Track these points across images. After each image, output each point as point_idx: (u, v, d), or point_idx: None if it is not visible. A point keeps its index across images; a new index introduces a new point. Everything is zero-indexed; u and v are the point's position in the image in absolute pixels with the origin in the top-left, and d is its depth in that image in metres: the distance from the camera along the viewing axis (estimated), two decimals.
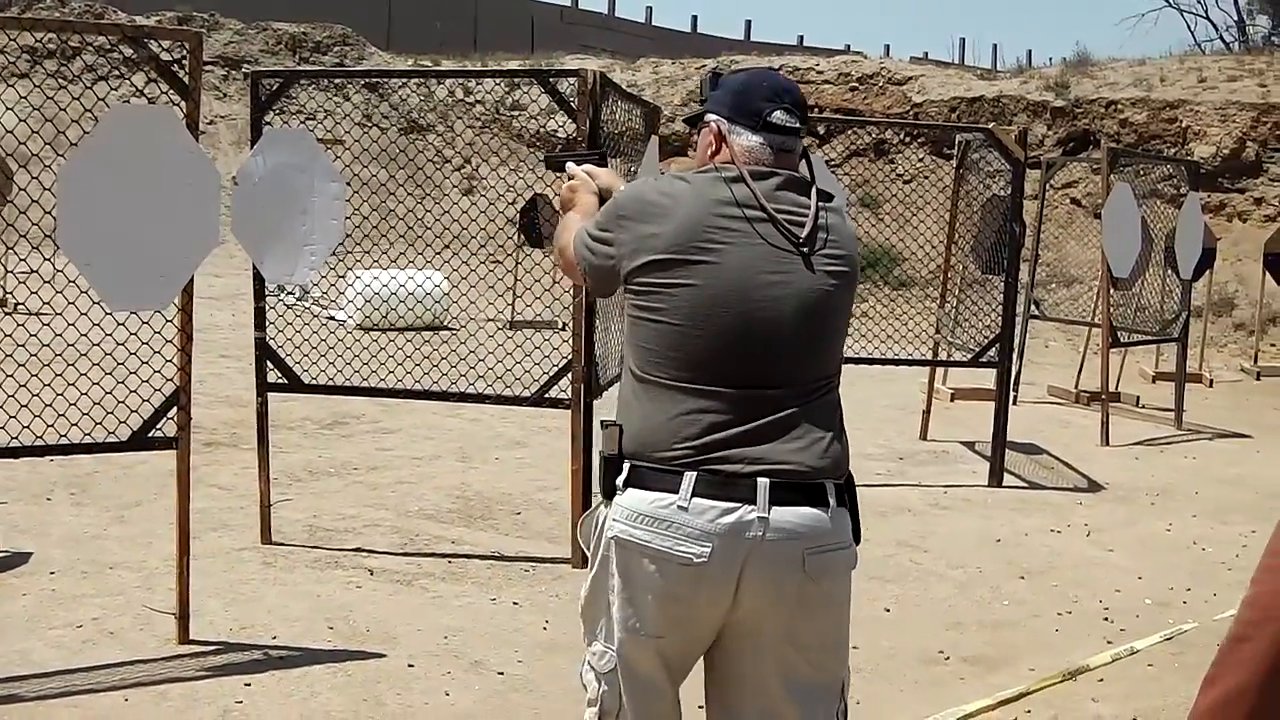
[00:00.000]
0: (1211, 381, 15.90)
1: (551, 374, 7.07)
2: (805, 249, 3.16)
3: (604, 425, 3.24)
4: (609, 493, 3.19)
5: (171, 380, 5.56)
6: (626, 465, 3.15)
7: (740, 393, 3.10)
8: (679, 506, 3.05)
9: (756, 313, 3.11)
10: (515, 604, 6.39)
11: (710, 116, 3.37)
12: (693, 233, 3.13)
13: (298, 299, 15.02)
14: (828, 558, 3.12)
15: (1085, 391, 13.92)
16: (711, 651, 3.23)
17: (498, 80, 22.59)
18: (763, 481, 3.05)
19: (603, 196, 3.68)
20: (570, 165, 3.92)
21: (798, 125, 3.29)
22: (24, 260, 5.57)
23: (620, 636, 3.19)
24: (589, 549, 3.29)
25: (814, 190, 3.25)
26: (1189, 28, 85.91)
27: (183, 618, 5.63)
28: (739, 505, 3.04)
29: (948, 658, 5.98)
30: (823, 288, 3.18)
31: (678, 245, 3.13)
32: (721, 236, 3.13)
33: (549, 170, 4.22)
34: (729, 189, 3.17)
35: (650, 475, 3.11)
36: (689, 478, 3.05)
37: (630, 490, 3.13)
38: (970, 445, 10.87)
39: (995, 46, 52.11)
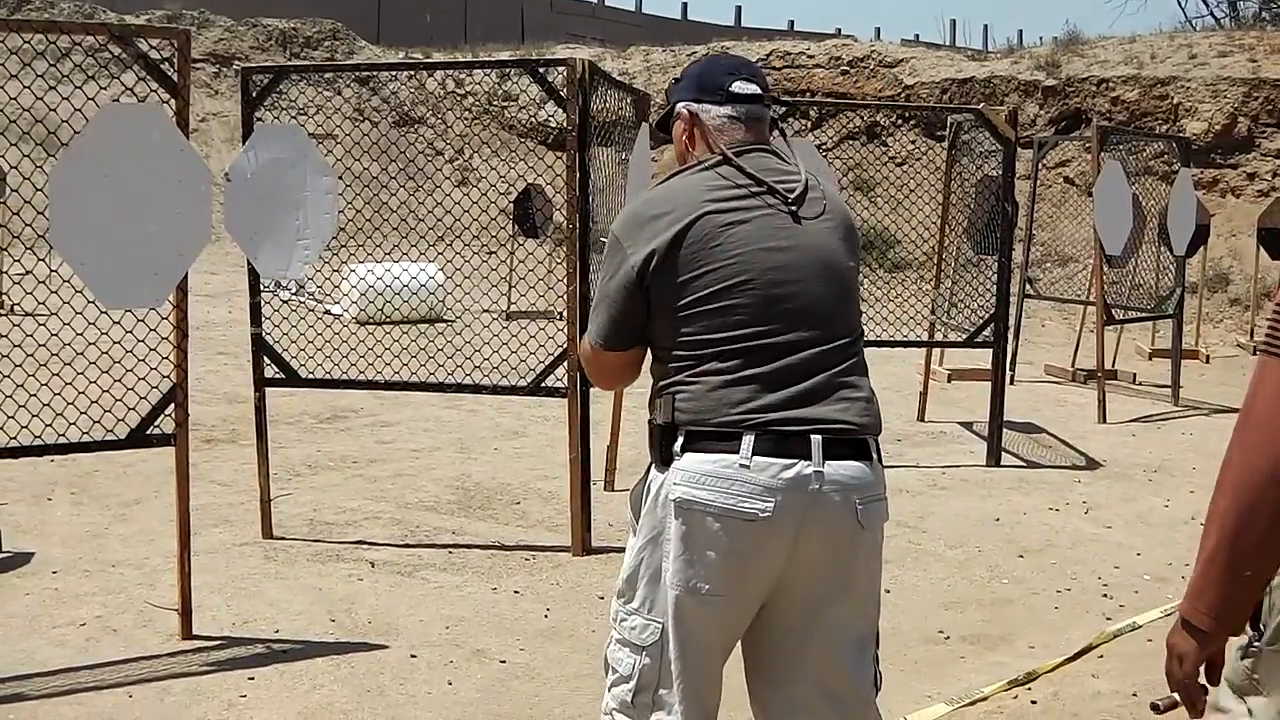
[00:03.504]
0: (1208, 357, 15.94)
1: (547, 363, 7.08)
2: (798, 210, 3.32)
3: (655, 395, 3.33)
4: (666, 460, 3.28)
5: (168, 377, 5.57)
6: (682, 432, 3.25)
7: (782, 355, 3.24)
8: (741, 465, 3.17)
9: (779, 277, 3.26)
10: (516, 593, 6.42)
11: (679, 106, 3.50)
12: (699, 221, 3.26)
13: (293, 294, 15.03)
14: (875, 507, 3.30)
15: (1082, 370, 13.94)
16: (760, 614, 3.32)
17: (488, 71, 22.58)
18: (816, 438, 3.19)
19: None
20: None
21: (760, 91, 3.44)
22: (18, 261, 5.59)
23: (676, 599, 3.25)
24: (637, 518, 3.39)
25: (793, 158, 3.42)
26: (1179, 4, 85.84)
27: (185, 614, 5.65)
28: (796, 460, 3.18)
29: (947, 637, 6.01)
30: (829, 245, 3.35)
31: (689, 235, 3.25)
32: (727, 216, 3.27)
33: None
34: (716, 174, 3.32)
35: (708, 439, 3.21)
36: (748, 438, 3.18)
37: (689, 454, 3.23)
38: (968, 425, 10.89)
39: (986, 27, 52.11)
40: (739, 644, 3.41)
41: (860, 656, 3.33)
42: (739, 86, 3.41)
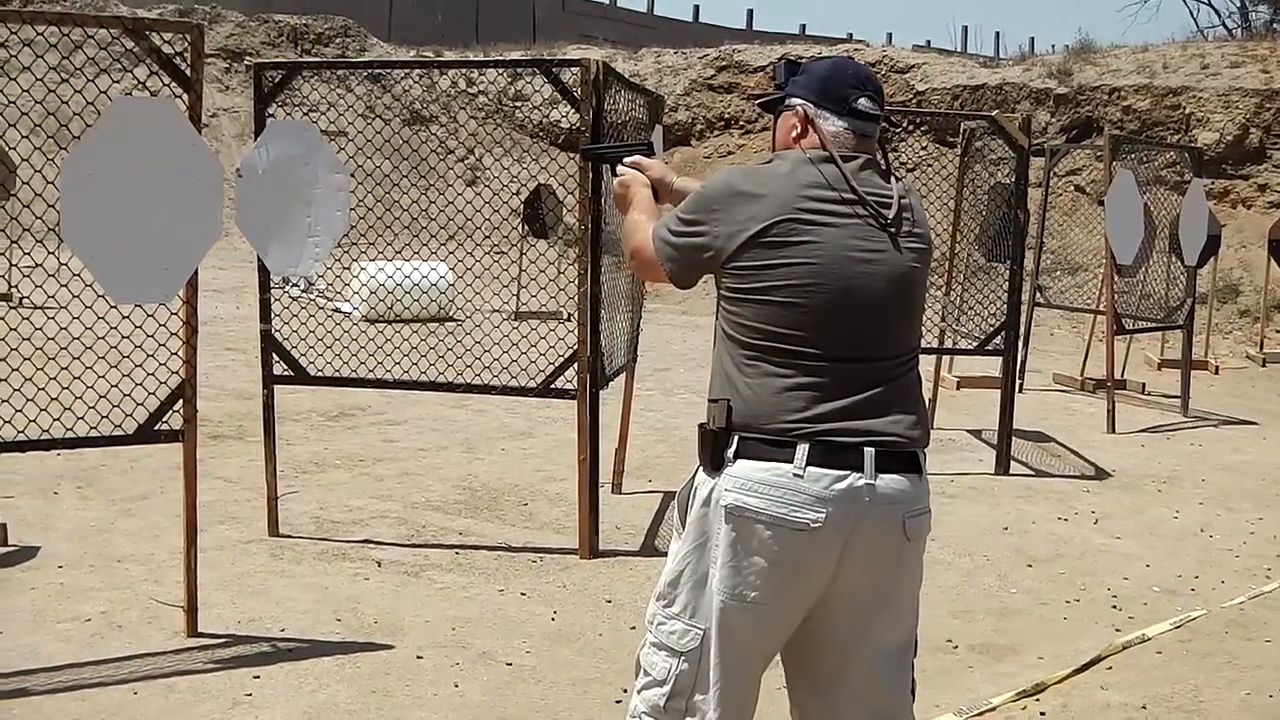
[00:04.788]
0: (1217, 368, 15.88)
1: (557, 364, 7.06)
2: (893, 229, 3.32)
3: (711, 402, 3.34)
4: (717, 465, 3.29)
5: (177, 373, 5.56)
6: (735, 438, 3.26)
7: (842, 365, 3.25)
8: (794, 474, 3.19)
9: (854, 289, 3.26)
10: (523, 594, 6.39)
11: (796, 101, 3.48)
12: (789, 213, 3.26)
13: (303, 291, 15.02)
14: (920, 520, 3.36)
15: (1091, 379, 13.90)
16: (804, 625, 3.34)
17: (500, 70, 22.57)
18: (869, 451, 3.22)
19: (656, 188, 3.85)
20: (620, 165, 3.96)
21: (879, 112, 3.44)
22: (28, 254, 5.56)
23: (722, 606, 3.27)
24: (683, 521, 3.40)
25: (892, 174, 3.43)
26: (1191, 14, 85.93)
27: (190, 611, 5.63)
28: (849, 472, 3.20)
29: (955, 646, 5.98)
30: (909, 264, 3.35)
31: (776, 226, 3.26)
32: (816, 217, 3.27)
33: (585, 161, 4.23)
34: (819, 171, 3.32)
35: (762, 446, 3.23)
36: (802, 448, 3.19)
37: (741, 461, 3.24)
38: (977, 433, 10.86)
39: (998, 34, 52.00)
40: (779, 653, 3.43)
41: (900, 667, 3.38)
42: (863, 104, 3.40)
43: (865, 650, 3.31)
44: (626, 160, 3.96)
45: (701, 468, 3.35)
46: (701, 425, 3.34)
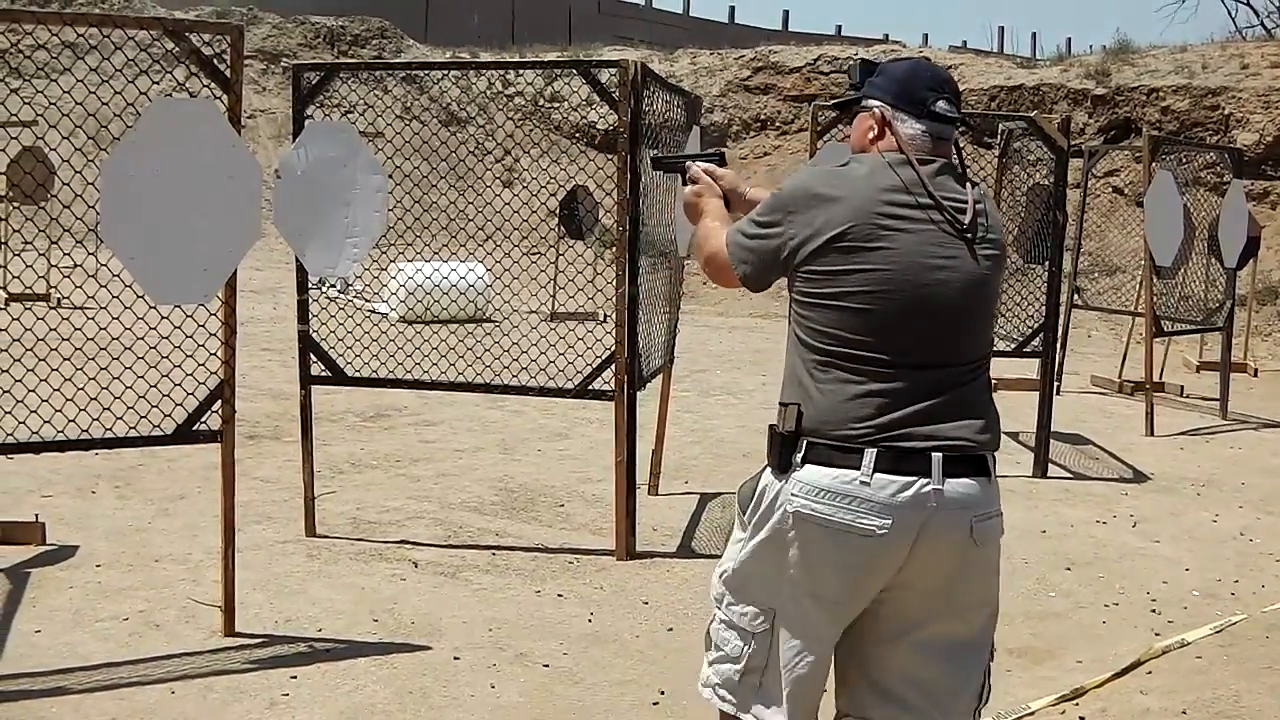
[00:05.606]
0: (1256, 371, 15.78)
1: (595, 365, 7.05)
2: (969, 235, 3.32)
3: (781, 405, 3.37)
4: (784, 468, 3.33)
5: (215, 374, 5.57)
6: (804, 442, 3.30)
7: (912, 372, 3.27)
8: (861, 482, 3.22)
9: (928, 295, 3.27)
10: (560, 596, 6.38)
11: (872, 102, 3.50)
12: (866, 218, 3.27)
13: (340, 292, 15.05)
14: (990, 524, 3.35)
15: (1129, 381, 13.82)
16: (861, 616, 3.39)
17: (537, 72, 22.59)
18: (936, 456, 3.24)
19: (728, 197, 3.88)
20: (692, 167, 4.01)
21: (957, 115, 3.44)
22: (68, 255, 5.59)
23: (793, 603, 3.34)
24: (745, 512, 3.45)
25: (969, 178, 3.44)
26: (1229, 14, 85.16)
27: (228, 610, 5.64)
28: (916, 479, 3.22)
29: (994, 650, 5.94)
30: (983, 272, 3.36)
31: (852, 230, 3.28)
32: (893, 222, 3.28)
33: (655, 170, 4.27)
34: (896, 175, 3.32)
35: (830, 452, 3.26)
36: (870, 454, 3.22)
37: (809, 466, 3.29)
38: (1014, 436, 10.80)
39: (1034, 35, 51.77)
40: None
41: (962, 663, 3.40)
42: (941, 107, 3.41)
43: (919, 637, 3.35)
44: (699, 168, 3.97)
45: (769, 468, 3.38)
46: (771, 427, 3.37)
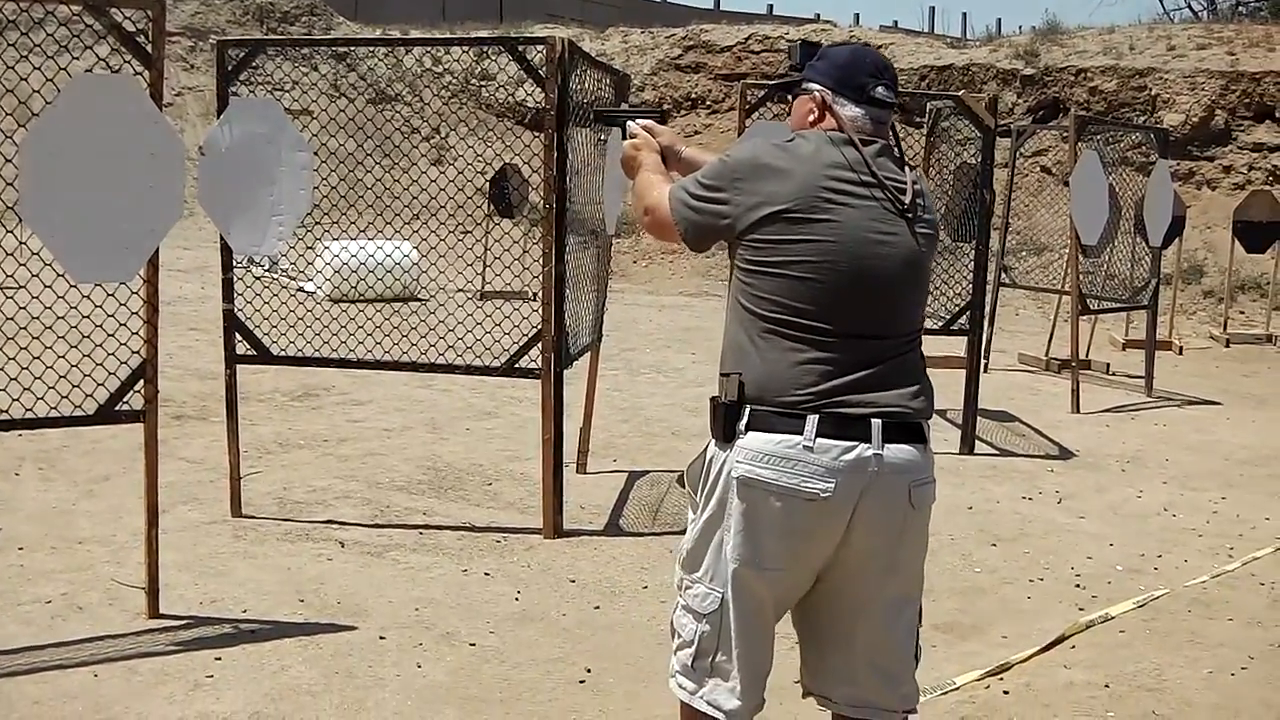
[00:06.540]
0: (1181, 349, 15.93)
1: (522, 344, 7.04)
2: (909, 215, 3.43)
3: (723, 376, 3.43)
4: (728, 437, 3.38)
5: (138, 353, 5.52)
6: (747, 410, 3.36)
7: (853, 341, 3.35)
8: (805, 446, 3.29)
9: (869, 268, 3.36)
10: (487, 575, 6.38)
11: (813, 86, 3.57)
12: (812, 191, 3.35)
13: (266, 270, 14.94)
14: (926, 489, 3.45)
15: (1056, 359, 13.94)
16: (813, 590, 3.47)
17: (466, 49, 22.46)
18: (876, 422, 3.32)
19: (665, 154, 3.95)
20: (631, 124, 4.06)
21: (894, 100, 3.55)
22: None
23: (735, 572, 3.39)
24: (697, 492, 3.50)
25: (906, 162, 3.54)
26: None
27: (152, 592, 5.60)
28: (857, 444, 3.30)
29: (922, 613, 5.97)
30: (920, 250, 3.47)
31: (798, 203, 3.34)
32: (838, 197, 3.36)
33: (598, 124, 4.30)
34: (840, 153, 3.40)
35: (773, 419, 3.33)
36: (812, 420, 3.29)
37: (753, 433, 3.35)
38: (942, 413, 10.85)
39: (965, 15, 52.04)
40: (788, 614, 3.56)
41: (906, 632, 3.50)
42: (881, 93, 3.49)
43: (871, 613, 3.43)
44: (639, 123, 4.03)
45: (713, 440, 3.43)
46: (713, 399, 3.43)
